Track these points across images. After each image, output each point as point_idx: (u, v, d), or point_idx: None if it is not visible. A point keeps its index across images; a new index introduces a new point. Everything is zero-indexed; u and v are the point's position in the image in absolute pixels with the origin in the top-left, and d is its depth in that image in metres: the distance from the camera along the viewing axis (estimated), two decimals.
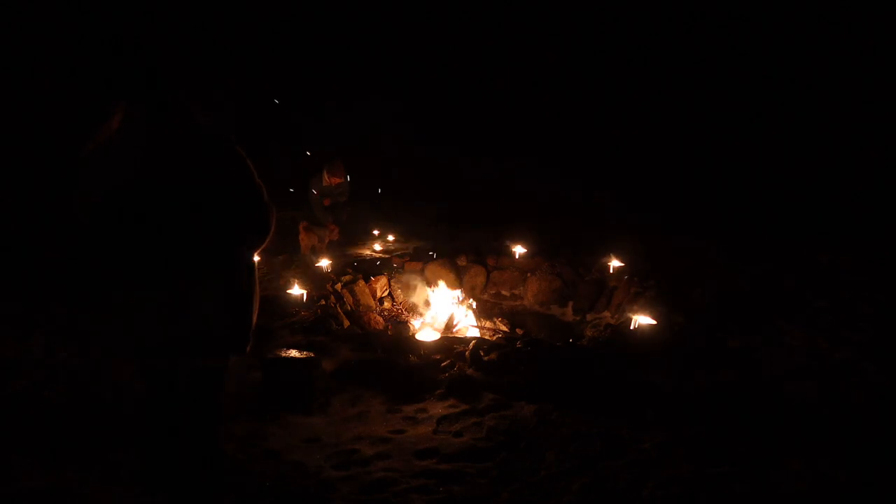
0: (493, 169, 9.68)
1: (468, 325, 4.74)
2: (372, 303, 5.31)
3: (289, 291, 4.49)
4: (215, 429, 1.85)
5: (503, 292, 5.57)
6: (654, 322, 3.82)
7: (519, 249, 5.57)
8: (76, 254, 1.68)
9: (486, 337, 4.40)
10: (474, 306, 5.12)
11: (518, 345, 3.42)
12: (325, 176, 6.32)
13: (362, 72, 10.77)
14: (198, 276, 1.58)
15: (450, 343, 3.71)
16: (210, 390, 1.75)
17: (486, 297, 5.54)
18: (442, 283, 5.20)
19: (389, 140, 10.03)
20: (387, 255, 5.92)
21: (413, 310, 5.26)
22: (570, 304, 5.15)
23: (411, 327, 4.62)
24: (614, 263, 5.03)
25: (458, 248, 5.94)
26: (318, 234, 6.43)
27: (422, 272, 5.57)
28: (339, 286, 5.04)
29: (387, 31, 10.65)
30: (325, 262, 5.26)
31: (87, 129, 1.63)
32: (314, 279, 4.96)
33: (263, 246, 1.74)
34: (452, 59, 10.80)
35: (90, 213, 1.55)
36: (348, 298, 5.03)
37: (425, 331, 4.36)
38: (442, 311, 4.89)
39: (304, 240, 6.47)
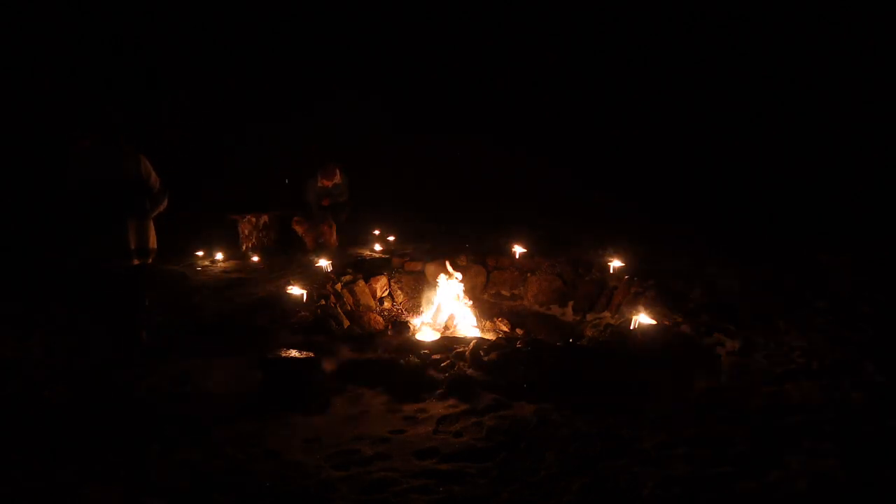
0: (493, 168, 9.68)
1: (468, 325, 4.74)
2: (372, 303, 5.30)
3: (289, 291, 4.49)
4: (141, 310, 3.61)
5: (503, 292, 5.57)
6: (654, 322, 3.82)
7: (519, 249, 5.57)
8: (68, 208, 3.31)
9: (486, 337, 4.40)
10: (474, 306, 5.11)
11: (518, 345, 3.42)
12: (319, 179, 6.39)
13: (362, 72, 10.76)
14: (126, 219, 3.35)
15: (450, 343, 3.71)
16: (135, 282, 3.50)
17: (486, 297, 5.54)
18: (442, 283, 5.19)
19: (389, 139, 10.04)
20: (387, 255, 5.92)
21: (413, 310, 5.26)
22: (570, 304, 5.15)
23: (411, 327, 4.62)
24: (614, 263, 5.03)
25: (458, 248, 5.94)
26: (316, 234, 6.45)
27: (422, 272, 5.57)
28: (339, 286, 5.04)
29: (387, 30, 10.64)
30: (325, 262, 5.25)
31: (68, 143, 3.31)
32: (314, 279, 4.96)
33: (160, 209, 3.56)
34: (452, 59, 10.79)
35: (76, 187, 3.27)
36: (348, 298, 5.03)
37: (425, 331, 4.35)
38: (442, 311, 4.89)
39: (304, 237, 6.48)
